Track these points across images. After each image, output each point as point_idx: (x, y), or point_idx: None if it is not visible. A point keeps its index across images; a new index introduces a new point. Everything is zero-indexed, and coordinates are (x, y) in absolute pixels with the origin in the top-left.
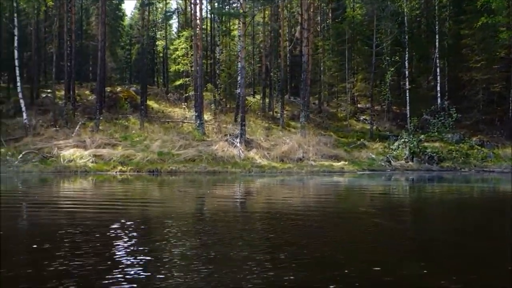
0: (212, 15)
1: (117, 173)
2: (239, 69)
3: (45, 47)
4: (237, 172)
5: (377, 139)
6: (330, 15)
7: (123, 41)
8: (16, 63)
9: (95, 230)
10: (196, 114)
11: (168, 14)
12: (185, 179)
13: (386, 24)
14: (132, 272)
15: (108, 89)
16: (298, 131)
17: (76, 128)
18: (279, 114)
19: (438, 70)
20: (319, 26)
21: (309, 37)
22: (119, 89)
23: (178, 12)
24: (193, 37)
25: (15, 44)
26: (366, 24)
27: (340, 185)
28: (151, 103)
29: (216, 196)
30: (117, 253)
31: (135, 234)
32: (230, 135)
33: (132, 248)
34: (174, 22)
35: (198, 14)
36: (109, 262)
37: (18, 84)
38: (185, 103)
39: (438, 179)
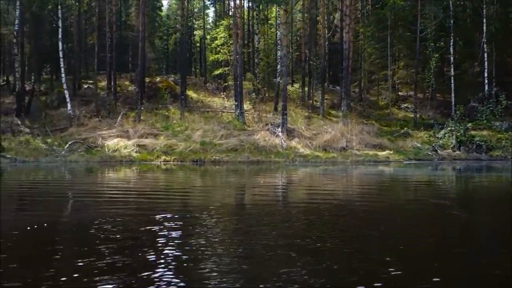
0: (250, 4)
1: (161, 162)
2: (279, 57)
3: (85, 39)
4: (281, 161)
5: (421, 128)
6: (370, 1)
7: (160, 31)
8: (60, 54)
9: (142, 221)
10: (236, 103)
11: (208, 2)
12: (228, 169)
13: (431, 8)
14: (173, 268)
15: (147, 79)
16: (339, 120)
17: (118, 119)
18: (318, 103)
19: (485, 55)
20: (359, 12)
21: (350, 23)
22: (158, 79)
23: (215, 1)
24: (232, 26)
25: (59, 36)
26: (409, 9)
27: (393, 175)
28: (190, 92)
29: (268, 186)
30: (158, 247)
31: (180, 225)
32: (271, 124)
33: (172, 243)
34: (210, 12)
35: (237, 2)
36: (150, 257)
37: (62, 75)
38: (224, 93)
39: (489, 169)
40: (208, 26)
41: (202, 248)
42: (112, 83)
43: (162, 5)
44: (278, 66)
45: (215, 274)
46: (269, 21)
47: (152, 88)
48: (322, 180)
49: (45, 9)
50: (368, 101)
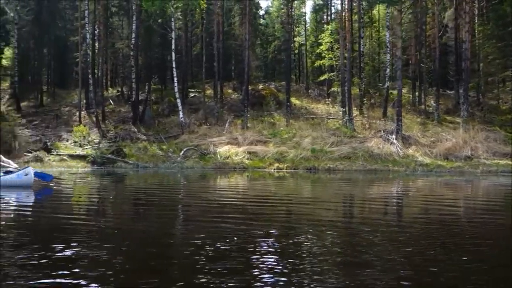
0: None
1: (274, 170)
2: (387, 60)
3: (191, 49)
4: (400, 170)
5: None
6: None
7: (260, 39)
8: (173, 64)
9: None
10: (344, 109)
11: (317, 7)
12: (343, 177)
13: None
14: None
15: (250, 87)
16: (459, 126)
17: (226, 126)
18: (431, 108)
19: None
20: (475, 10)
21: (470, 21)
22: (261, 86)
23: (316, 6)
24: (339, 30)
25: (172, 47)
26: None
27: None
28: (292, 99)
29: (403, 197)
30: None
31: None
32: (383, 131)
33: (272, 262)
34: (307, 17)
35: (346, 5)
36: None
37: (175, 85)
38: (329, 99)
39: None
40: (307, 32)
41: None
42: (219, 91)
43: (264, 14)
44: (387, 70)
45: None
46: (374, 24)
47: (255, 96)
48: (457, 192)
49: (157, 22)
50: (487, 106)
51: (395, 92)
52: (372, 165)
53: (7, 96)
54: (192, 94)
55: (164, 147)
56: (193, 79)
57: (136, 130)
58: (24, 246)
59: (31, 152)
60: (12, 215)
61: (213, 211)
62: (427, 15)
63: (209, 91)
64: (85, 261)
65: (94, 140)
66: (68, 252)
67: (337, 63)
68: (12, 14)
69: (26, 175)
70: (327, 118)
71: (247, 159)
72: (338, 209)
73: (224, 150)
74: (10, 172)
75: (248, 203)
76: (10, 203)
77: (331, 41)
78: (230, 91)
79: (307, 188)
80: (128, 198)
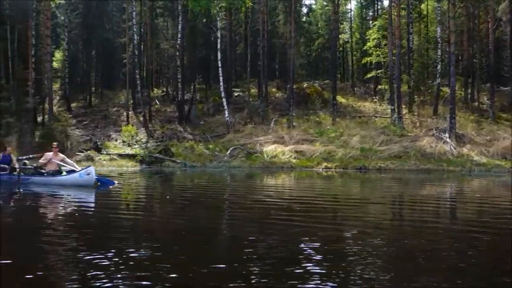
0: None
1: (323, 169)
2: (438, 56)
3: (235, 48)
4: (456, 170)
5: None
6: None
7: (304, 37)
8: (219, 64)
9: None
10: (392, 107)
11: (363, 3)
12: (395, 177)
13: None
14: None
15: (294, 85)
16: None
17: (271, 125)
18: (484, 105)
19: None
20: None
21: None
22: (305, 85)
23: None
24: (387, 26)
25: (218, 46)
26: None
27: None
28: (338, 97)
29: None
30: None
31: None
32: (435, 129)
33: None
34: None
35: (394, 0)
36: None
37: (221, 84)
38: (376, 97)
39: None
40: (352, 30)
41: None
42: (264, 90)
43: (307, 11)
44: (438, 66)
45: None
46: (423, 19)
47: (300, 94)
48: None
49: (201, 22)
50: None
51: (445, 89)
52: (425, 165)
53: (57, 97)
54: (236, 94)
55: (210, 146)
56: (236, 79)
57: (182, 129)
58: (99, 247)
59: (82, 152)
60: (78, 215)
61: (277, 212)
62: (479, 9)
63: (253, 90)
64: (164, 263)
65: (142, 140)
66: (144, 252)
67: (385, 60)
68: (62, 18)
69: (88, 174)
70: (374, 116)
71: (294, 158)
72: (399, 211)
73: (270, 149)
74: (73, 171)
75: (303, 204)
76: (73, 202)
77: (378, 38)
78: (274, 89)
79: (358, 188)
80: (188, 198)
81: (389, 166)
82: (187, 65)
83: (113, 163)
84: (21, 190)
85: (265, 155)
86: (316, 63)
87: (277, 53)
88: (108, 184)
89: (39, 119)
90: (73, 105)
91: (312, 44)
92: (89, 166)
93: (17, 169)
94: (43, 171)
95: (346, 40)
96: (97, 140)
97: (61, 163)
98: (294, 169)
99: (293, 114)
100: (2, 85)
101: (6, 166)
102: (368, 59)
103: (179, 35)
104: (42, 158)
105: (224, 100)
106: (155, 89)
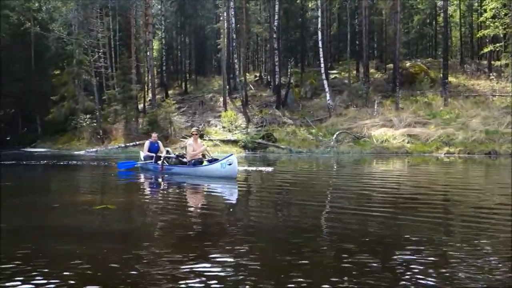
0: None
1: (445, 155)
2: None
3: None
4: None
5: None
6: None
7: (402, 14)
8: (319, 44)
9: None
10: None
11: None
12: None
13: None
14: None
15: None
16: None
17: (375, 107)
18: None
19: None
20: None
21: None
22: (408, 64)
23: None
24: None
25: (318, 25)
26: None
27: None
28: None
29: None
30: None
31: None
32: None
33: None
34: None
35: None
36: None
37: (322, 65)
38: (493, 73)
39: None
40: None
41: None
42: (364, 71)
43: None
44: None
45: None
46: None
47: (402, 74)
48: None
49: (294, 3)
50: None
51: None
52: None
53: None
54: (332, 76)
55: (313, 131)
56: (332, 60)
57: (280, 114)
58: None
59: (185, 138)
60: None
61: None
62: None
63: (348, 73)
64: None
65: (241, 125)
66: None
67: (505, 31)
68: (159, 7)
69: (229, 164)
70: (492, 95)
71: (408, 142)
72: None
73: (379, 133)
74: (215, 160)
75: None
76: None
77: (496, 7)
78: (372, 70)
79: (496, 176)
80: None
81: None
82: (281, 48)
83: (217, 149)
84: (165, 181)
85: (374, 140)
86: (415, 41)
87: (376, 32)
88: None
89: (140, 106)
90: (170, 92)
91: (411, 21)
92: (230, 155)
93: (162, 158)
94: (184, 160)
95: (450, 14)
96: (199, 126)
97: (201, 151)
98: (410, 155)
99: (399, 95)
100: (110, 74)
101: (153, 155)
102: (485, 32)
103: (276, 16)
104: (183, 146)
105: (325, 82)
106: (247, 74)
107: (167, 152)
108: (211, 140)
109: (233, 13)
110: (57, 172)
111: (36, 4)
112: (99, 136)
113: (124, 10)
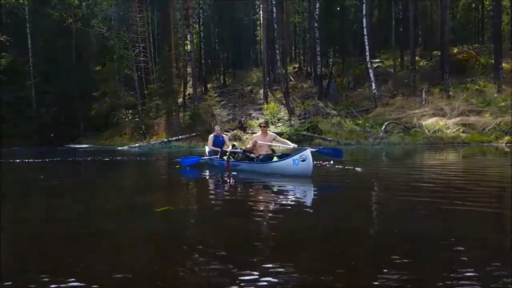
0: None
1: (506, 145)
2: None
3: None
4: None
5: None
6: None
7: None
8: (364, 31)
9: None
10: None
11: None
12: None
13: None
14: None
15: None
16: None
17: (423, 96)
18: None
19: None
20: None
21: None
22: (455, 50)
23: None
24: None
25: (363, 12)
26: None
27: None
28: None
29: None
30: None
31: None
32: None
33: None
34: None
35: None
36: None
37: (367, 53)
38: None
39: None
40: None
41: None
42: (411, 59)
43: None
44: None
45: None
46: None
47: (450, 61)
48: None
49: None
50: None
51: None
52: None
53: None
54: (375, 65)
55: (359, 122)
56: (374, 48)
57: (323, 105)
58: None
59: (228, 131)
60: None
61: None
62: None
63: (390, 61)
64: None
65: (284, 118)
66: None
67: None
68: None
69: (303, 160)
70: None
71: (463, 132)
72: None
73: (430, 122)
74: (286, 156)
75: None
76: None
77: None
78: (417, 58)
79: None
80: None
81: None
82: (322, 37)
83: None
84: (231, 178)
85: (426, 130)
86: (461, 27)
87: (420, 18)
88: (337, 155)
89: (179, 100)
90: (208, 85)
91: (456, 6)
92: (306, 149)
93: (227, 153)
94: (252, 155)
95: None
96: (242, 119)
97: (274, 144)
98: (467, 145)
99: (449, 83)
100: (150, 69)
101: (219, 149)
102: None
103: (317, 5)
104: (251, 142)
105: (370, 71)
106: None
107: (233, 146)
108: (254, 133)
109: (274, 2)
110: (110, 168)
111: (77, 1)
112: (141, 131)
113: (164, 3)
